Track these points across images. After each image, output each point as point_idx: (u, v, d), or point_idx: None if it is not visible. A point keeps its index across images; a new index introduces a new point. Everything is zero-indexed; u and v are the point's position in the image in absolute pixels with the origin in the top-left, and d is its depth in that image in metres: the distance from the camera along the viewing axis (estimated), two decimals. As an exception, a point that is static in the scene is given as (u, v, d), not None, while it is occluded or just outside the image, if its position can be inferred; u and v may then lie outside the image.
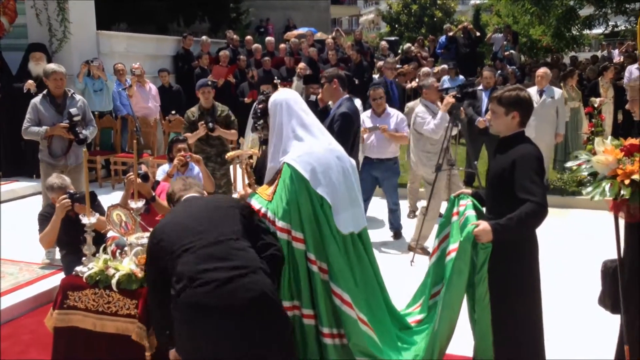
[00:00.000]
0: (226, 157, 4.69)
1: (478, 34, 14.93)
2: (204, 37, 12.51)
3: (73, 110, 5.78)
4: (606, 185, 3.02)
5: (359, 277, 3.38)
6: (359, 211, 3.51)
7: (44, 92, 5.96)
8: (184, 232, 2.87)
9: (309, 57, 12.33)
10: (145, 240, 3.44)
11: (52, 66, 5.97)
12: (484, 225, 2.98)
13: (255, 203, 3.25)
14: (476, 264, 3.07)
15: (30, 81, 8.60)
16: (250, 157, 4.89)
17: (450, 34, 14.93)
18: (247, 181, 3.65)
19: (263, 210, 3.21)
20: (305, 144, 3.37)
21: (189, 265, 2.74)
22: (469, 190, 3.50)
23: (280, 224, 3.12)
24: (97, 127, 6.35)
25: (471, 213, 3.22)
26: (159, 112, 10.14)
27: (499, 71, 12.30)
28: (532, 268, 3.23)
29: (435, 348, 3.22)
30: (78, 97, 6.08)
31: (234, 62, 11.89)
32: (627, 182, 3.03)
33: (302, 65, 10.86)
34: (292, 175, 3.22)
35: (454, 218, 3.36)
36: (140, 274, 3.26)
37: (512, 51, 14.74)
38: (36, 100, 5.92)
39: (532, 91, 7.96)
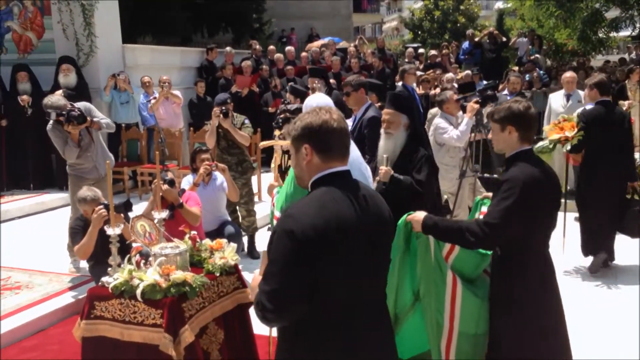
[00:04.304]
0: (260, 145, 4.62)
1: (504, 39, 14.76)
2: (227, 48, 12.60)
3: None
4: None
5: None
6: None
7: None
8: None
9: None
10: (169, 250, 3.46)
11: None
12: (419, 214, 2.98)
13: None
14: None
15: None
16: (286, 152, 4.97)
17: (477, 39, 14.83)
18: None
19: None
20: None
21: None
22: None
23: (277, 214, 3.35)
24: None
25: None
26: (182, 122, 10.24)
27: (527, 74, 12.17)
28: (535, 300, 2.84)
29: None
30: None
31: (257, 72, 11.96)
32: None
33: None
34: (293, 177, 3.27)
35: None
36: (164, 284, 3.27)
37: (537, 55, 14.57)
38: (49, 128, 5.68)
39: (559, 95, 8.08)
